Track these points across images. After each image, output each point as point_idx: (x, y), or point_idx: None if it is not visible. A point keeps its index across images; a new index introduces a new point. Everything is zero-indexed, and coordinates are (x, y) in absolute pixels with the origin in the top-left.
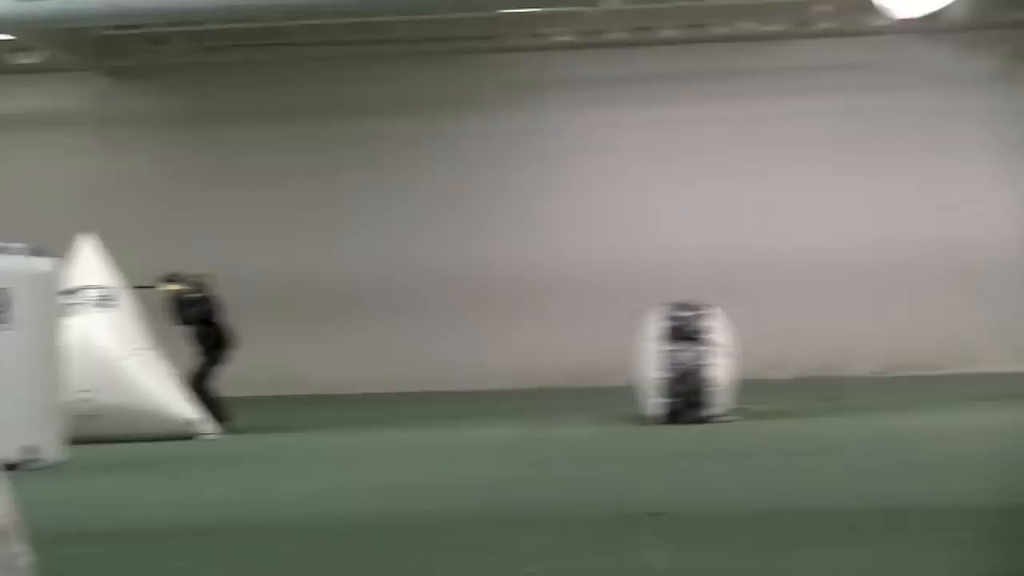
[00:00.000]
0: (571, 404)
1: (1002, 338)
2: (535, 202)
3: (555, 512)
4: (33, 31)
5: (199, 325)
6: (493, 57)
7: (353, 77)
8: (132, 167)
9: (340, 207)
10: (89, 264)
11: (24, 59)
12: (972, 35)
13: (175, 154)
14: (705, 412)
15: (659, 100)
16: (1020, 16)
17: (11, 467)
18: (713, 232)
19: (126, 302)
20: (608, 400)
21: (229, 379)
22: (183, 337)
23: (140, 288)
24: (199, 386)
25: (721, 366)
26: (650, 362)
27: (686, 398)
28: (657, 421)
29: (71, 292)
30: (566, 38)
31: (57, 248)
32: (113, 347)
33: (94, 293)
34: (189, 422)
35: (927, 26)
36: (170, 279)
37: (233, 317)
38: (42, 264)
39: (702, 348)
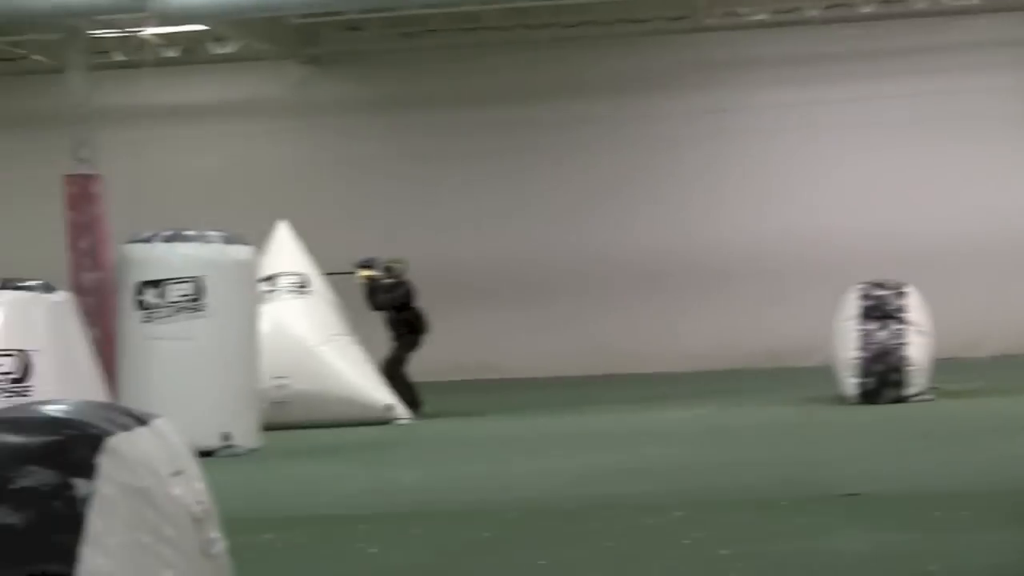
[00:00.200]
0: (766, 385)
1: None
2: (731, 183)
3: (749, 494)
4: (228, 21)
5: (393, 311)
6: (688, 37)
7: (548, 60)
8: (328, 154)
9: (531, 192)
10: (285, 251)
11: (219, 49)
12: None
13: (371, 141)
14: (901, 392)
15: (856, 77)
16: None
17: (207, 454)
18: (908, 209)
19: (321, 288)
20: (803, 381)
21: (421, 364)
22: (378, 323)
23: (335, 274)
24: (393, 371)
25: (917, 345)
26: (846, 342)
27: (882, 378)
28: (853, 401)
29: (267, 279)
30: (761, 16)
31: (253, 236)
32: (308, 334)
33: (290, 280)
34: (383, 408)
35: None
36: (365, 265)
37: (425, 302)
38: (238, 252)
39: (898, 327)
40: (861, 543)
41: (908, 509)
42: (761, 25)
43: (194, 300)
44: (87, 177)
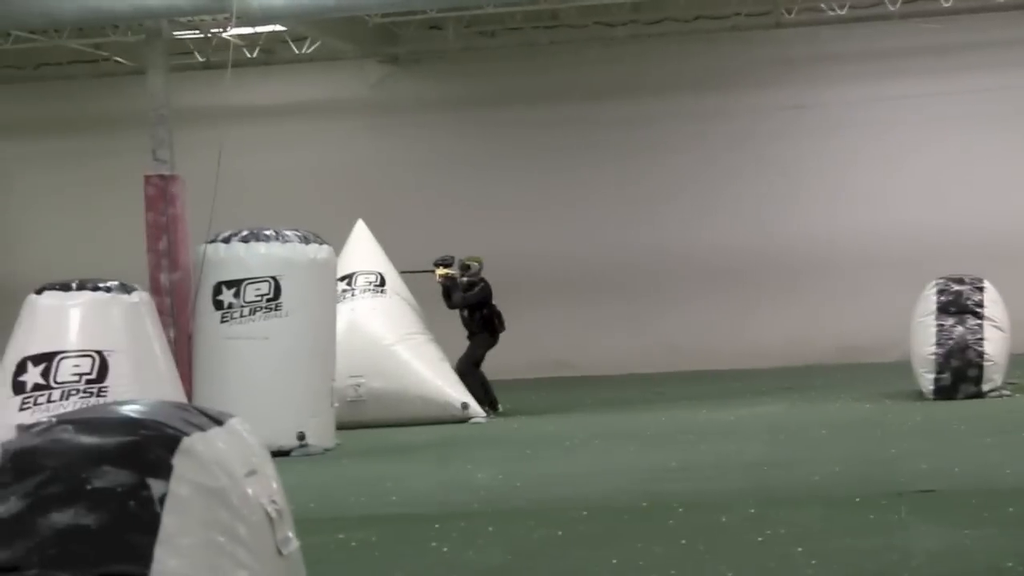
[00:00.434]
0: (841, 381)
1: None
2: (808, 179)
3: (822, 491)
4: (307, 21)
5: (469, 309)
6: (768, 33)
7: (627, 57)
8: (406, 154)
9: (608, 189)
10: (362, 250)
11: (298, 49)
12: None
13: (449, 139)
14: (977, 388)
15: (934, 72)
16: None
17: (282, 453)
18: (985, 204)
19: (398, 287)
20: (879, 377)
21: (496, 362)
22: (454, 321)
23: (412, 272)
24: (468, 370)
25: (994, 340)
26: (922, 337)
27: (958, 373)
28: (929, 397)
29: (344, 278)
30: (841, 12)
31: (331, 235)
32: (384, 332)
33: (367, 279)
34: (458, 406)
35: None
36: (442, 263)
37: (500, 300)
38: (316, 251)
39: (975, 322)
40: (934, 540)
41: (982, 505)
42: (840, 20)
43: (271, 300)
44: (166, 178)
